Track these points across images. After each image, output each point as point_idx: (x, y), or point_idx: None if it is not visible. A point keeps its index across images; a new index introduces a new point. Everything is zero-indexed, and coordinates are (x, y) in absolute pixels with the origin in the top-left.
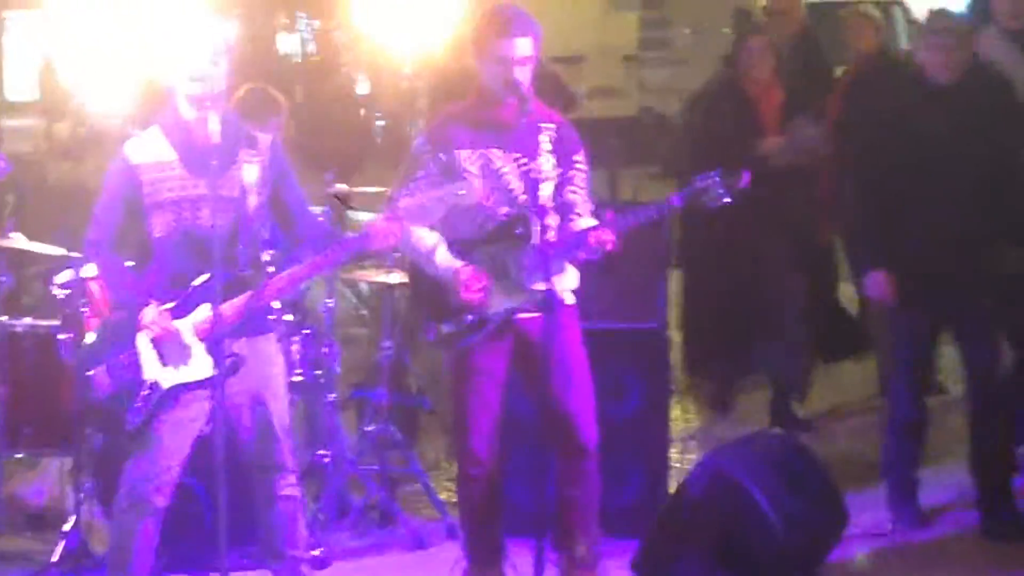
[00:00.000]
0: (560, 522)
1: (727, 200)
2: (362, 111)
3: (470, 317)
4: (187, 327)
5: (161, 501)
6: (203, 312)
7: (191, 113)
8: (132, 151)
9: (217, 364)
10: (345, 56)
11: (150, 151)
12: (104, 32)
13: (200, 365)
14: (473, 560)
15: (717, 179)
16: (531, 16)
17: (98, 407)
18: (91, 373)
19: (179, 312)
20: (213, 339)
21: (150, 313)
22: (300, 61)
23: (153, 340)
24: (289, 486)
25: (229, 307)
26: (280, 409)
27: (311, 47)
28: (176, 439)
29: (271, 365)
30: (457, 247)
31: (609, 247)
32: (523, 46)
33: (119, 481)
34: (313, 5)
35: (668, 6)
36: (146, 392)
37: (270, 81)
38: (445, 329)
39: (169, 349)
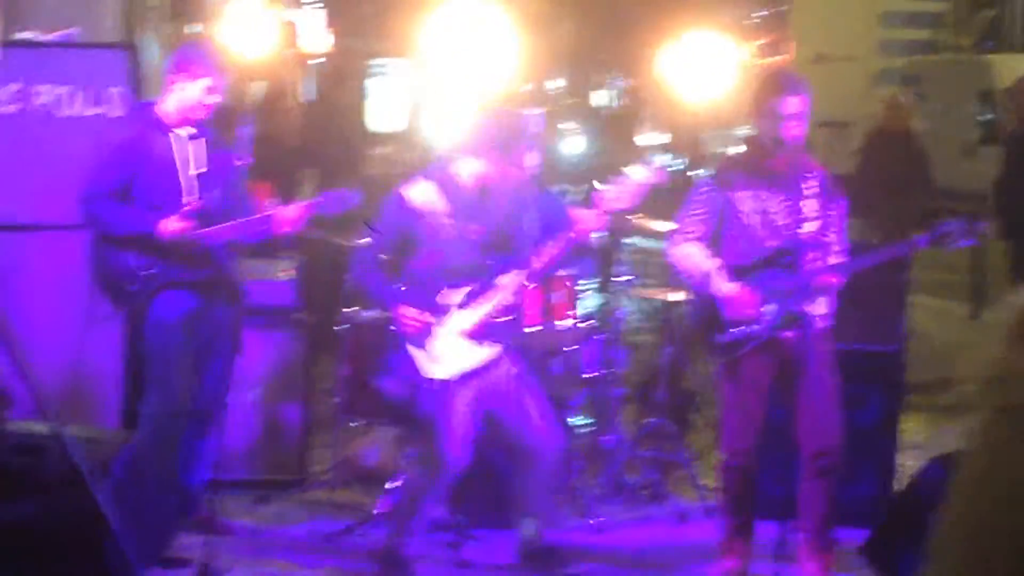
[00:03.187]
0: (802, 510)
1: (970, 242)
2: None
3: (741, 331)
4: (446, 326)
5: (451, 472)
6: (459, 316)
7: (459, 170)
8: (413, 196)
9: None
10: (647, 110)
11: (427, 199)
12: (455, 79)
13: (467, 356)
14: (727, 535)
15: (962, 225)
16: (802, 80)
17: (394, 405)
18: (381, 383)
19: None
20: (478, 333)
21: (408, 313)
22: (609, 113)
23: (417, 343)
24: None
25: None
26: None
27: (618, 102)
28: (460, 421)
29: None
30: (731, 270)
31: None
32: (793, 104)
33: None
34: (624, 66)
35: (924, 84)
36: (428, 386)
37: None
38: (719, 340)
39: (436, 349)
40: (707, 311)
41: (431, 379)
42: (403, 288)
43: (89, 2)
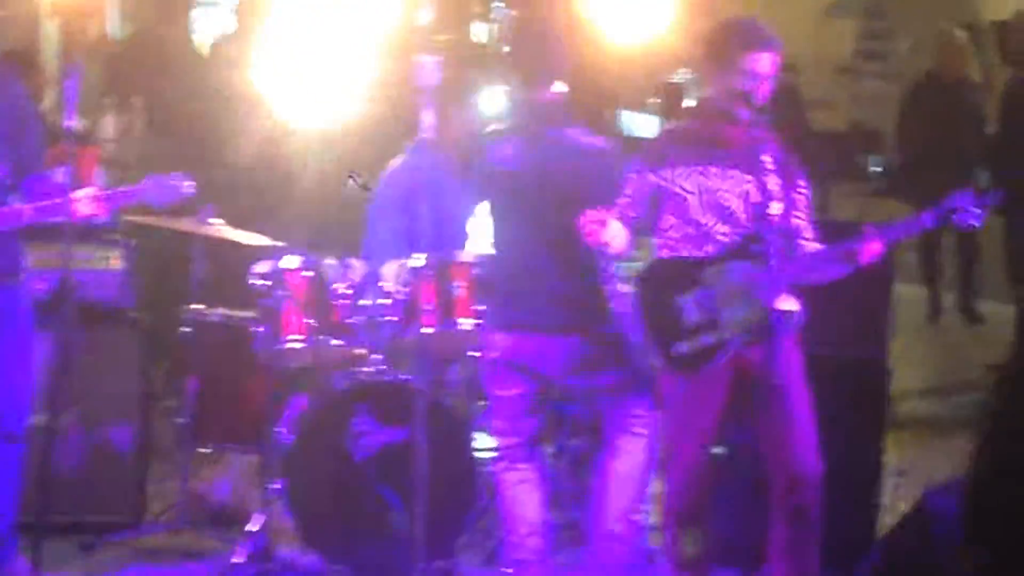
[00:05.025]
0: (775, 559)
1: (977, 223)
2: None
3: (708, 339)
4: None
5: None
6: None
7: None
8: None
9: None
10: None
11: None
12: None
13: None
14: None
15: (970, 198)
16: (773, 32)
17: None
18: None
19: None
20: None
21: None
22: (494, 49)
23: None
24: None
25: None
26: None
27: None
28: None
29: None
30: (687, 264)
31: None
32: (766, 61)
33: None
34: None
35: (889, 17)
36: None
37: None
38: (678, 350)
39: None
40: (660, 313)
41: None
42: None
43: None
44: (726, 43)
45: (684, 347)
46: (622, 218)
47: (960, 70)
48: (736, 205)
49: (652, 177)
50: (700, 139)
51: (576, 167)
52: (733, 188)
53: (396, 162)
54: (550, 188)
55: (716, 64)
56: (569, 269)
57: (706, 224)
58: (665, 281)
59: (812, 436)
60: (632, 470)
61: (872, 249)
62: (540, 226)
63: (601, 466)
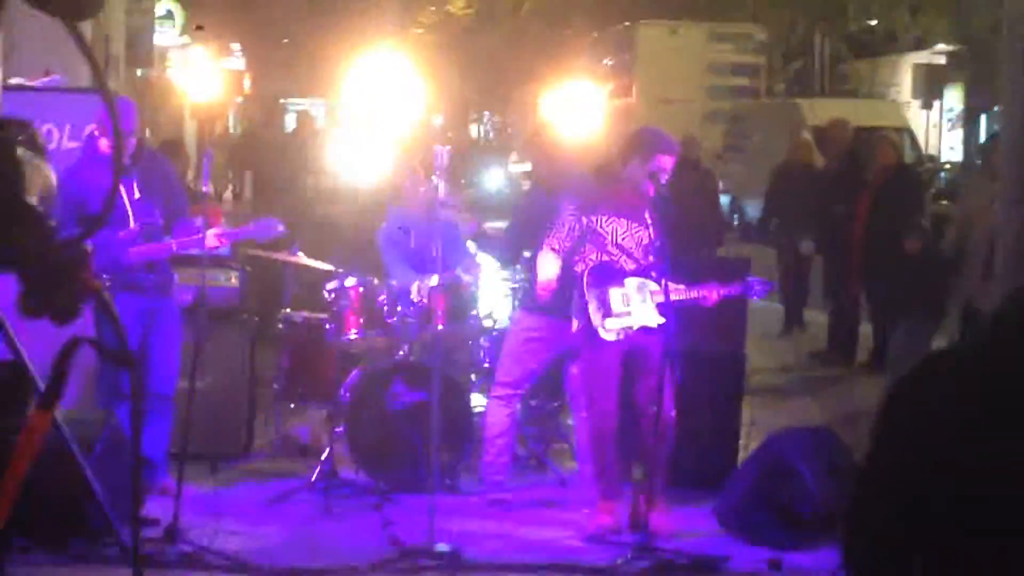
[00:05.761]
0: (648, 463)
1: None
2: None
3: (624, 321)
4: None
5: None
6: None
7: None
8: None
9: None
10: (514, 143)
11: None
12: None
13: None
14: (600, 496)
15: (760, 281)
16: (671, 137)
17: None
18: None
19: None
20: None
21: None
22: (482, 144)
23: None
24: None
25: None
26: None
27: (491, 135)
28: None
29: None
30: (616, 272)
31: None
32: (669, 162)
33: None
34: (495, 107)
35: (746, 122)
36: None
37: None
38: (608, 324)
39: None
40: (600, 297)
41: None
42: None
43: (64, 52)
44: (642, 145)
45: (612, 323)
46: (556, 249)
47: (807, 158)
48: (634, 245)
49: (584, 219)
50: (617, 199)
51: None
52: (634, 234)
53: (393, 217)
54: None
55: (633, 157)
56: None
57: (615, 256)
58: (605, 277)
59: (672, 391)
60: None
61: (713, 299)
62: None
63: None
